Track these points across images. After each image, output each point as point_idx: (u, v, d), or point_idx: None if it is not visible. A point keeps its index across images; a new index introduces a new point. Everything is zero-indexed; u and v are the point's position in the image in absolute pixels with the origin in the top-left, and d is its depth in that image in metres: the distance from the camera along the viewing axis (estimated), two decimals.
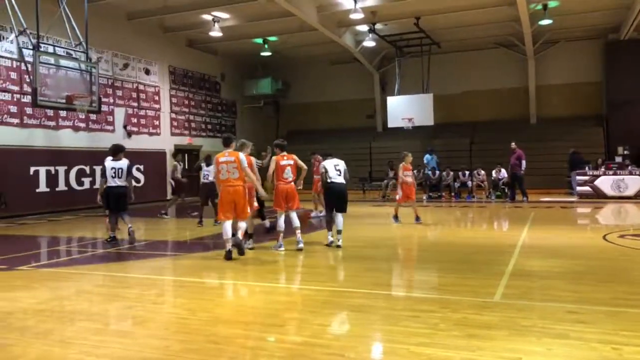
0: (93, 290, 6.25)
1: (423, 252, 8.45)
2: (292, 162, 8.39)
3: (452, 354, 3.76)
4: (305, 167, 8.64)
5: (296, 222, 8.34)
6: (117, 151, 9.56)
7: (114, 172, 9.30)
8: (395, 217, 11.75)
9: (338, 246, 8.49)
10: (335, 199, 8.66)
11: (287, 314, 4.93)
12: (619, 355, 3.69)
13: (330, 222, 8.71)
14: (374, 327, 4.58)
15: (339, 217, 8.59)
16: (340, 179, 8.66)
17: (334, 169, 8.68)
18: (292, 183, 8.40)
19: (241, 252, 7.77)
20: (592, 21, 19.73)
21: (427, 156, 19.91)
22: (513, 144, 17.02)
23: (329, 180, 8.64)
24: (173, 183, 14.15)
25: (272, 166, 8.30)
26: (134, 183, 9.63)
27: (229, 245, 7.65)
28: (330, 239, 8.69)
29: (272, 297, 5.63)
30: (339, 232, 8.56)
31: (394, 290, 6.22)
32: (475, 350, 3.82)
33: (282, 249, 8.22)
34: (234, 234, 7.79)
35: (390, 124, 21.28)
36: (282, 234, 8.32)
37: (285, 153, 8.45)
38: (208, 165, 11.87)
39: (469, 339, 4.06)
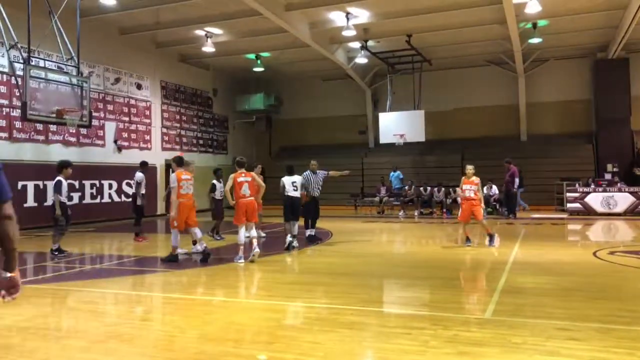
0: (79, 307, 6.15)
1: (414, 269, 8.41)
2: (249, 179, 8.89)
3: None
4: (263, 185, 9.48)
5: (254, 233, 9.10)
6: (59, 168, 9.93)
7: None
8: (467, 239, 10.39)
9: (294, 247, 9.93)
10: (291, 209, 10.30)
11: (277, 331, 4.87)
12: None
13: (289, 228, 10.22)
14: (365, 344, 4.53)
15: (295, 224, 10.21)
16: (296, 194, 10.41)
17: (292, 185, 10.37)
18: (251, 198, 8.85)
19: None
20: (580, 40, 20.04)
21: (392, 173, 20.37)
22: (506, 161, 17.16)
23: (286, 194, 10.34)
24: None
25: (230, 183, 8.79)
26: (61, 199, 9.80)
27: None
28: (289, 239, 10.02)
29: (262, 314, 5.56)
30: (295, 236, 10.14)
31: (385, 307, 6.17)
32: None
33: (242, 261, 8.58)
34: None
35: (382, 140, 21.39)
36: (242, 247, 8.71)
37: (243, 170, 8.93)
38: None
39: (461, 356, 4.02)
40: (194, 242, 9.48)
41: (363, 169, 23.42)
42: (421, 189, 19.26)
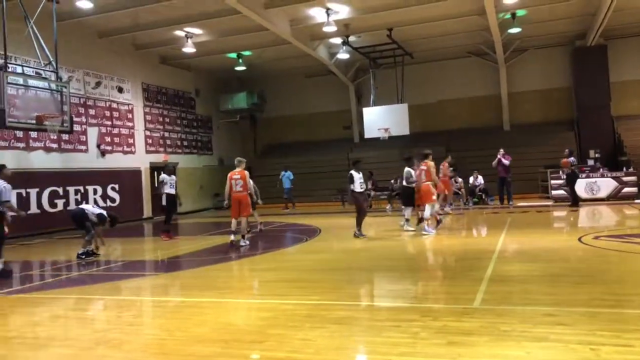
0: (67, 315, 6.08)
1: (402, 261, 8.45)
2: (425, 168, 11.20)
3: None
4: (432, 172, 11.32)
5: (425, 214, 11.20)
6: None
7: None
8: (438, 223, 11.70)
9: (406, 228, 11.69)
10: (404, 197, 12.13)
11: (268, 329, 4.87)
12: (596, 355, 3.72)
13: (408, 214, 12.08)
14: (356, 338, 4.55)
15: (408, 210, 11.99)
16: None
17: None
18: (426, 183, 11.05)
19: None
20: (559, 28, 20.23)
21: (282, 173, 20.85)
22: (502, 150, 17.27)
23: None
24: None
25: (433, 171, 11.15)
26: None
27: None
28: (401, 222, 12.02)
29: (252, 314, 5.55)
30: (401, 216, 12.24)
31: (375, 300, 6.20)
32: (457, 358, 3.82)
33: (432, 231, 10.87)
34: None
35: (367, 135, 21.41)
36: (427, 221, 11.07)
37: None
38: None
39: (450, 346, 4.05)
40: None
41: (349, 165, 23.43)
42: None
